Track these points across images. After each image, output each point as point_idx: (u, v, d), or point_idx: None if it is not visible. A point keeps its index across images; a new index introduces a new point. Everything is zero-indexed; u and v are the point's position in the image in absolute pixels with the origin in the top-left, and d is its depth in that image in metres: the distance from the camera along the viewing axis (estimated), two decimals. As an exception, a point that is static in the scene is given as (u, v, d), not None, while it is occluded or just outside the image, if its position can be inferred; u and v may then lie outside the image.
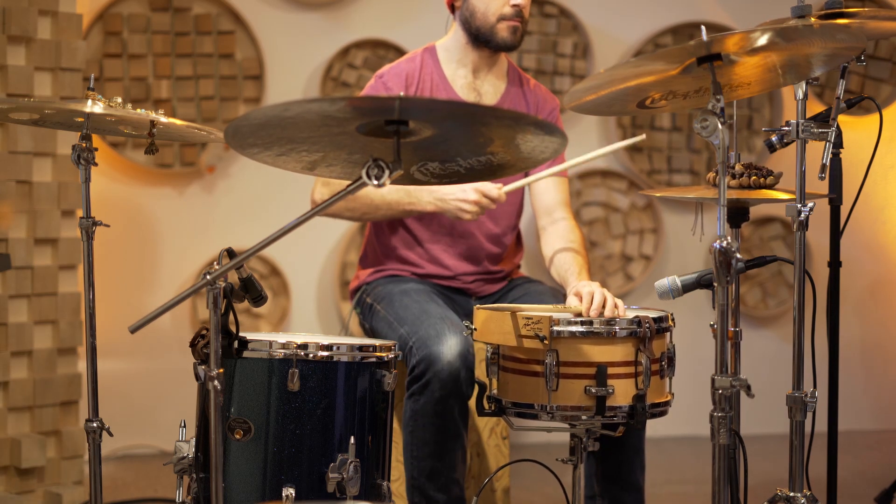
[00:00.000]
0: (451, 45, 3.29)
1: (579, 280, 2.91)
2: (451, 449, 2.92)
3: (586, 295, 2.68)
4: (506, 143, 2.20)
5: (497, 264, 3.33)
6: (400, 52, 4.80)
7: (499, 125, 2.16)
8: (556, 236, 3.17)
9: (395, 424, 3.05)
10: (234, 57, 4.77)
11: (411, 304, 3.04)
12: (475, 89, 3.27)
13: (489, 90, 3.28)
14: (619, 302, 2.69)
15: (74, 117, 2.76)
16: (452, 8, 3.27)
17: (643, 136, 2.98)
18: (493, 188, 3.01)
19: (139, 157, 4.68)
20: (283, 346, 2.39)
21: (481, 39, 3.20)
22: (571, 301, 2.79)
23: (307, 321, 4.89)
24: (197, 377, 2.40)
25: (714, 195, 3.21)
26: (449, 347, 2.85)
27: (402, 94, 2.98)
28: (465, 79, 3.27)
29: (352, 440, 2.38)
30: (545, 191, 3.26)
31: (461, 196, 3.02)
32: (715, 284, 2.11)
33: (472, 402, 2.87)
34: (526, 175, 3.15)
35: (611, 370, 2.57)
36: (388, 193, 3.13)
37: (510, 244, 3.36)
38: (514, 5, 3.15)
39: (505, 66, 3.33)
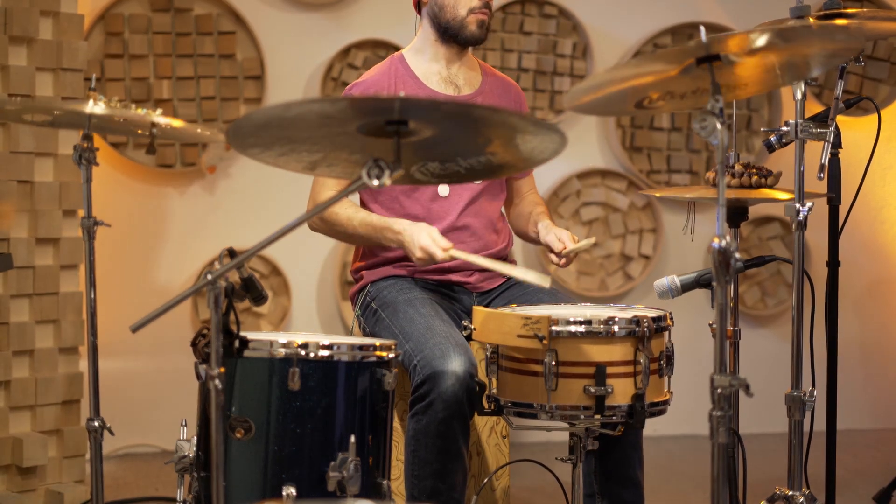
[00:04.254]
0: (419, 46, 3.31)
1: (547, 221, 3.28)
2: (453, 470, 2.93)
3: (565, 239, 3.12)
4: (505, 142, 2.21)
5: (497, 245, 3.33)
6: (400, 52, 4.81)
7: (499, 124, 2.17)
8: (524, 202, 3.48)
9: (396, 423, 3.06)
10: (235, 57, 4.78)
11: (416, 317, 3.04)
12: (452, 82, 3.30)
13: (465, 82, 3.31)
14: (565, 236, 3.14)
15: (80, 118, 2.79)
16: (419, 7, 3.30)
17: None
18: (439, 250, 3.00)
19: (140, 157, 4.69)
20: (284, 345, 2.40)
21: (450, 34, 3.24)
22: (552, 240, 3.16)
23: (308, 321, 4.90)
24: (198, 376, 2.41)
25: (713, 194, 3.22)
26: (453, 368, 2.84)
27: (402, 93, 2.99)
28: (438, 74, 3.29)
29: (352, 439, 2.38)
30: (519, 184, 3.49)
31: (411, 247, 3.04)
32: (714, 284, 2.12)
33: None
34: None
35: (610, 370, 2.58)
36: (360, 226, 3.18)
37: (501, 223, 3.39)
38: None
39: (473, 58, 3.37)
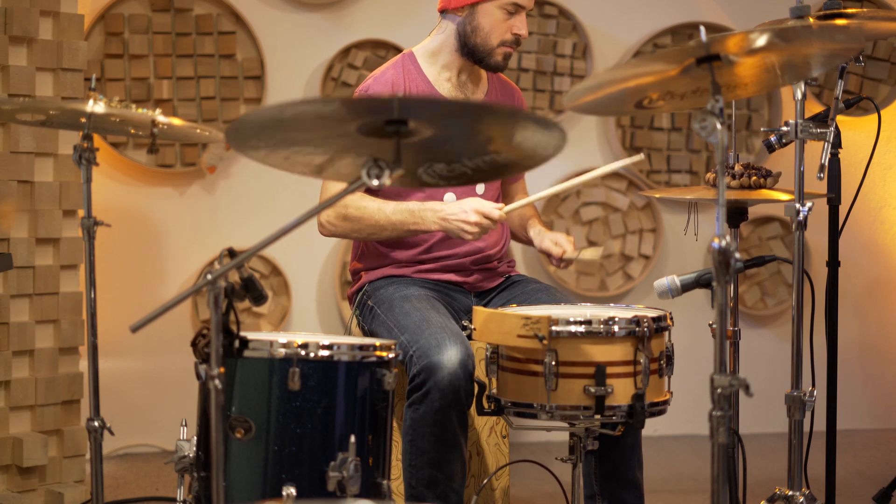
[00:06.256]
0: (436, 48, 3.29)
1: (539, 227, 3.32)
2: (450, 459, 2.93)
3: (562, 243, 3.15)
4: (506, 140, 2.21)
5: (496, 246, 3.33)
6: (400, 52, 4.80)
7: (496, 122, 2.17)
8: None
9: (395, 423, 3.06)
10: (235, 57, 4.78)
11: (412, 310, 3.04)
12: (462, 90, 3.30)
13: (472, 90, 3.32)
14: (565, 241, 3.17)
15: (79, 118, 2.79)
16: (444, 11, 3.27)
17: (641, 157, 3.02)
18: (494, 209, 3.01)
19: (140, 157, 4.69)
20: (284, 345, 2.40)
21: (474, 56, 3.24)
22: (549, 246, 3.18)
23: (308, 321, 4.90)
24: (198, 376, 2.41)
25: (713, 195, 3.22)
26: (449, 357, 2.85)
27: (400, 94, 2.99)
28: (449, 81, 3.29)
29: (352, 439, 2.38)
30: (512, 188, 3.51)
31: (463, 217, 3.02)
32: (714, 284, 2.12)
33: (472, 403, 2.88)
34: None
35: (610, 370, 2.58)
36: (393, 213, 3.12)
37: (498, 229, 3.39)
38: (517, 34, 3.20)
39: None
